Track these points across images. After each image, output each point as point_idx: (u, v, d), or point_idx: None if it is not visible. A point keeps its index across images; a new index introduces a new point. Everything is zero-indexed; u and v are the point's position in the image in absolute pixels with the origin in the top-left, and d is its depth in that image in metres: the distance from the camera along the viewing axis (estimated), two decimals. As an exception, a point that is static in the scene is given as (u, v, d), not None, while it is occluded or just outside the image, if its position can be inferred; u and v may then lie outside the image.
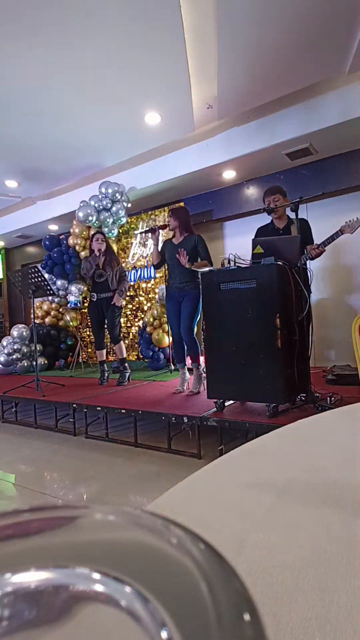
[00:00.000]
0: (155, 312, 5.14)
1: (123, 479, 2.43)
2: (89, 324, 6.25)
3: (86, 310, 6.36)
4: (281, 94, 3.90)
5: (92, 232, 5.63)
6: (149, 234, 3.62)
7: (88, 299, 4.27)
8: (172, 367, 4.85)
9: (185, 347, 3.42)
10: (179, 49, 3.17)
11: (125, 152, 5.04)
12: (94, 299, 4.08)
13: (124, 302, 4.26)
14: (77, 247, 5.71)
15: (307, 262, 2.89)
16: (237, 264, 2.54)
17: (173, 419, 2.74)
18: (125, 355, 4.22)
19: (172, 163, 5.04)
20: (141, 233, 4.00)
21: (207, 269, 3.02)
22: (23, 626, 0.13)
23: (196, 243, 3.35)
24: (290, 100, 4.02)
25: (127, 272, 4.51)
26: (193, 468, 0.52)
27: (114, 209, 5.31)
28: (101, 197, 5.24)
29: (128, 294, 5.69)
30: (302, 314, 2.53)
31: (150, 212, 5.74)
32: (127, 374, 4.19)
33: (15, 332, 5.68)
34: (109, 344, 4.21)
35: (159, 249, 3.55)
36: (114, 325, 4.06)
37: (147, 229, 3.63)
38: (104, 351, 4.25)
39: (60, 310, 6.30)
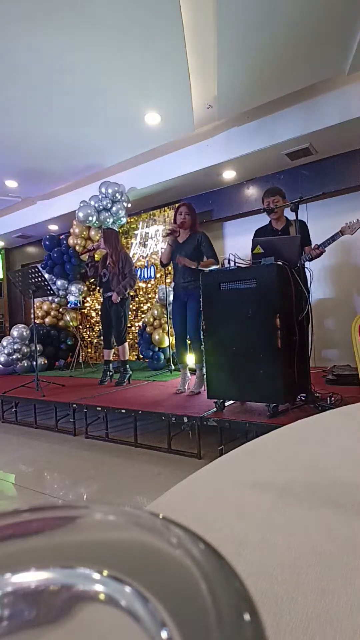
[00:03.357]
0: (155, 312, 5.13)
1: (123, 479, 2.43)
2: (88, 324, 6.27)
3: (86, 310, 6.38)
4: (281, 94, 3.90)
5: (92, 232, 5.64)
6: (169, 236, 3.36)
7: (89, 299, 4.28)
8: (172, 367, 4.85)
9: (192, 347, 3.41)
10: (179, 49, 3.17)
11: (125, 152, 5.04)
12: (102, 299, 4.12)
13: (128, 300, 4.18)
14: (77, 247, 5.71)
15: (307, 262, 2.90)
16: (237, 264, 2.54)
17: (173, 419, 2.74)
18: (127, 357, 4.20)
19: (172, 163, 5.04)
20: (165, 236, 3.43)
21: (213, 267, 2.98)
22: (23, 626, 0.13)
23: (200, 241, 3.32)
24: (290, 100, 4.02)
25: (135, 270, 4.28)
26: (193, 468, 0.52)
27: (114, 209, 5.31)
28: (101, 197, 5.24)
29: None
30: (302, 314, 2.53)
31: (150, 212, 5.74)
32: (127, 376, 4.18)
33: (15, 332, 5.68)
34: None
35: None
36: (118, 325, 4.03)
37: (169, 230, 3.30)
38: (111, 351, 4.22)
39: (60, 310, 6.30)
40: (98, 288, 4.44)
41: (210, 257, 3.30)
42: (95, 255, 4.09)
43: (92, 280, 5.25)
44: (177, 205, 3.54)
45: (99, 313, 4.69)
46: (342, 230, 2.94)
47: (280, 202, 3.09)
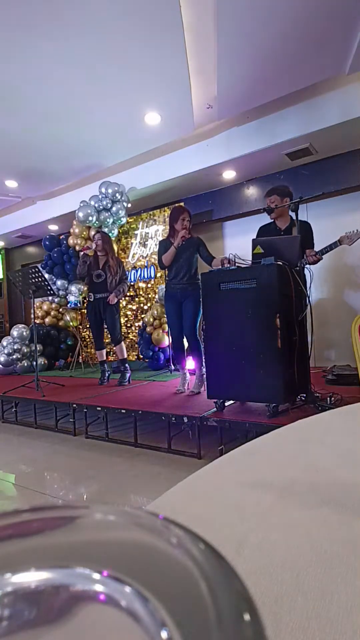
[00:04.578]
0: (155, 312, 5.13)
1: (123, 479, 2.43)
2: (89, 324, 6.26)
3: (86, 310, 6.37)
4: (281, 94, 3.90)
5: (92, 232, 5.63)
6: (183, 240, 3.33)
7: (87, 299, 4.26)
8: (172, 367, 4.85)
9: (189, 347, 3.41)
10: (179, 48, 3.17)
11: (125, 152, 5.04)
12: (91, 299, 4.08)
13: (122, 302, 4.19)
14: (77, 247, 5.71)
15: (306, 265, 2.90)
16: (237, 264, 2.54)
17: (173, 419, 2.74)
18: (125, 355, 4.21)
19: (172, 163, 5.03)
20: (180, 245, 3.34)
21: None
22: (23, 626, 0.13)
23: (199, 244, 3.36)
24: (290, 100, 4.02)
25: (127, 273, 4.38)
26: (193, 468, 0.52)
27: (114, 209, 5.31)
28: (101, 197, 5.24)
29: (128, 293, 5.69)
30: (302, 314, 2.53)
31: (150, 212, 5.74)
32: (128, 375, 4.19)
33: (15, 332, 5.68)
34: (110, 344, 4.19)
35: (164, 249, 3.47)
36: (114, 326, 4.05)
37: (187, 238, 3.31)
38: (104, 351, 4.24)
39: (60, 310, 6.30)
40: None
41: (210, 257, 3.34)
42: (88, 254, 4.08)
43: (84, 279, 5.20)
44: (174, 207, 3.53)
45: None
46: (340, 240, 2.95)
47: (279, 202, 3.09)
